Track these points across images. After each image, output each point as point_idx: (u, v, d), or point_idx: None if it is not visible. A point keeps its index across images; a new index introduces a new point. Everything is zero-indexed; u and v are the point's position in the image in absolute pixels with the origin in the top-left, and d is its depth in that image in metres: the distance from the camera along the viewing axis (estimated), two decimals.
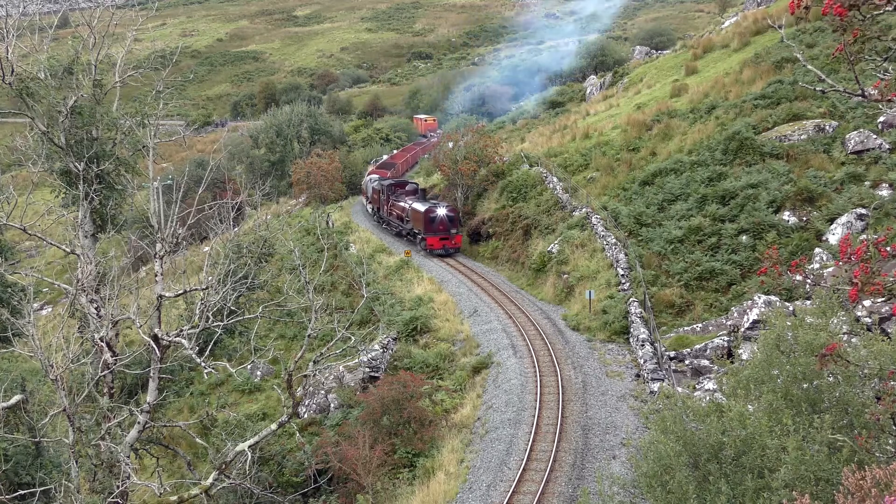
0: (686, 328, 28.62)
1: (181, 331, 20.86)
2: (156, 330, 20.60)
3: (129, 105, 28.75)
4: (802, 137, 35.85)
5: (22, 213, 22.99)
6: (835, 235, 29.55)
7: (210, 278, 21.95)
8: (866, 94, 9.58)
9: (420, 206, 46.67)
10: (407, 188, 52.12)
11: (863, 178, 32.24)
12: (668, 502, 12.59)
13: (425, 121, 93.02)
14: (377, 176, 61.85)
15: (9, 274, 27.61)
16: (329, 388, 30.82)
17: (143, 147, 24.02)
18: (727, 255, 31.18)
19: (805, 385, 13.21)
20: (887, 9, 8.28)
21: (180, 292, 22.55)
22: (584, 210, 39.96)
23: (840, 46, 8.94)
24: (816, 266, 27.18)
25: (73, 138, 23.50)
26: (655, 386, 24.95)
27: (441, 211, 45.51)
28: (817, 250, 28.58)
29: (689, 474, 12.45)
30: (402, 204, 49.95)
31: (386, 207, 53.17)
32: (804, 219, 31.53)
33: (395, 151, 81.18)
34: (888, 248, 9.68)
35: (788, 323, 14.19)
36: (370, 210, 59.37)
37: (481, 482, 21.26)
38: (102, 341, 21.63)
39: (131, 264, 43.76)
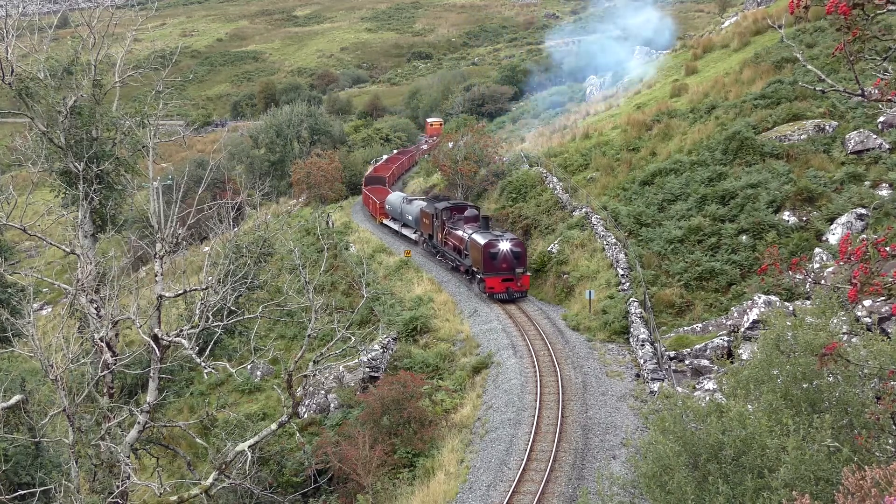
0: (686, 328, 28.62)
1: (181, 331, 20.86)
2: (156, 330, 20.60)
3: (129, 105, 28.76)
4: (802, 137, 35.85)
5: (22, 213, 22.97)
6: (835, 235, 29.55)
7: (210, 278, 21.94)
8: (866, 93, 9.59)
9: (480, 239, 37.13)
10: (466, 213, 41.88)
11: (863, 178, 32.25)
12: (668, 502, 12.59)
13: (431, 124, 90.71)
14: (399, 194, 54.66)
15: (9, 274, 27.60)
16: (329, 388, 30.82)
17: (143, 147, 24.01)
18: (727, 255, 31.18)
19: (805, 385, 13.21)
20: (890, 8, 8.28)
21: (180, 292, 22.54)
22: (583, 210, 39.96)
23: (840, 45, 8.95)
24: (816, 266, 27.18)
25: (72, 138, 23.49)
26: (655, 386, 24.95)
27: (504, 245, 36.04)
28: (817, 250, 28.58)
29: (688, 474, 12.45)
30: (459, 233, 40.55)
31: (440, 236, 43.67)
32: (804, 219, 31.54)
33: (380, 160, 79.88)
34: (887, 248, 9.68)
35: (788, 323, 14.20)
36: (416, 238, 49.76)
37: (481, 482, 21.26)
38: (102, 341, 21.63)
39: (131, 264, 43.74)
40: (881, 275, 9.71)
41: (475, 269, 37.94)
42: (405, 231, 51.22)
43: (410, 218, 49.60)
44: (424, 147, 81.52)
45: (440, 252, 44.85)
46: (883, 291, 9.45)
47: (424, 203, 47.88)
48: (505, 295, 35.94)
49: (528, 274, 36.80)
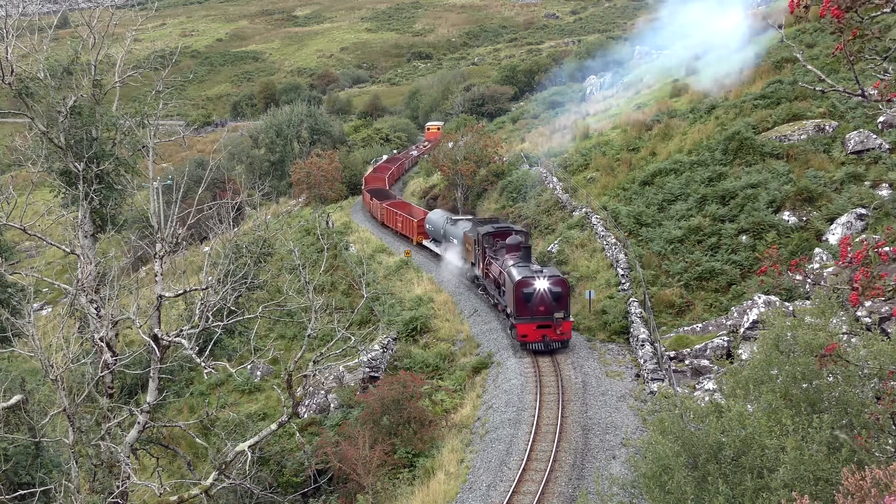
0: (686, 328, 28.63)
1: (181, 331, 20.85)
2: (156, 330, 20.60)
3: (129, 105, 28.70)
4: (802, 137, 35.87)
5: (22, 213, 22.96)
6: (835, 235, 29.57)
7: (210, 278, 21.93)
8: (866, 94, 9.60)
9: (515, 273, 30.65)
10: (508, 241, 34.11)
11: (863, 178, 32.26)
12: (667, 502, 12.59)
13: (429, 129, 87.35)
14: (442, 213, 47.44)
15: (9, 274, 27.58)
16: (329, 388, 30.83)
17: (143, 147, 23.99)
18: (727, 255, 31.20)
19: (804, 385, 13.21)
20: (885, 10, 8.29)
21: (180, 292, 22.54)
22: (583, 210, 39.96)
23: (840, 45, 8.96)
24: (816, 266, 27.19)
25: (72, 138, 23.46)
26: (655, 386, 24.96)
27: (541, 283, 29.57)
28: (817, 250, 28.59)
29: (687, 475, 12.45)
30: (500, 261, 33.57)
31: (482, 266, 36.64)
32: (804, 219, 31.55)
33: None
34: (887, 251, 9.70)
35: (788, 323, 14.20)
36: (458, 263, 41.90)
37: (481, 482, 21.26)
38: (102, 341, 21.63)
39: (131, 264, 43.74)
40: (882, 276, 9.72)
41: (509, 311, 31.30)
42: (448, 255, 44.21)
43: (455, 242, 42.56)
44: (414, 153, 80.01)
45: (481, 286, 37.55)
46: (885, 294, 9.47)
47: (469, 225, 40.60)
48: (540, 345, 29.39)
49: (571, 320, 30.22)
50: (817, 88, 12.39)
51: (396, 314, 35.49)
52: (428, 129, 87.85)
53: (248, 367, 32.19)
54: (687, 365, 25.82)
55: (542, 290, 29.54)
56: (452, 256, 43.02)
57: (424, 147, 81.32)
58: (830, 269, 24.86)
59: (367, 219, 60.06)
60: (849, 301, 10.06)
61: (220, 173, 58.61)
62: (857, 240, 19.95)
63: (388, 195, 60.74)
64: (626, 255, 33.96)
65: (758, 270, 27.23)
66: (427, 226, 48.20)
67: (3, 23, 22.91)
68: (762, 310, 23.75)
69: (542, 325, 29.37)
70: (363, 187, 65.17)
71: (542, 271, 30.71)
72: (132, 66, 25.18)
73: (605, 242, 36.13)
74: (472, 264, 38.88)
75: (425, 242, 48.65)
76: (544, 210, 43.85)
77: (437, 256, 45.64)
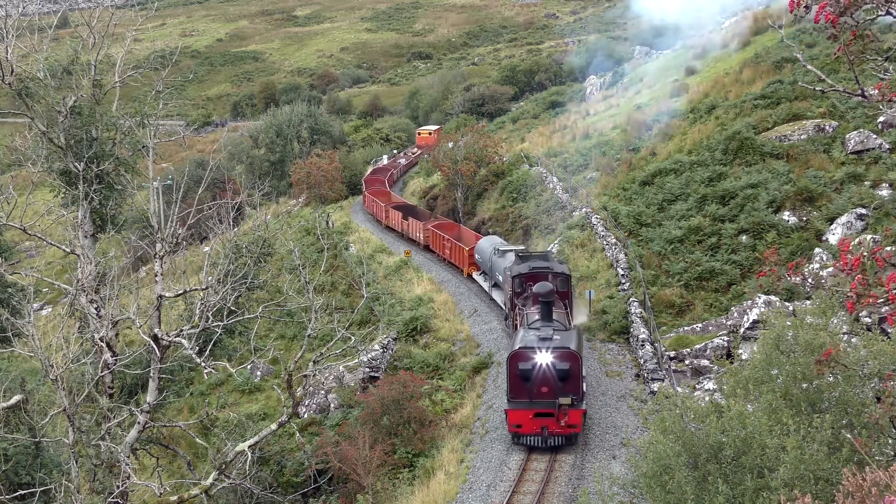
0: (686, 328, 28.63)
1: (181, 331, 20.85)
2: (156, 330, 20.60)
3: (129, 105, 28.69)
4: (802, 137, 35.86)
5: (22, 213, 22.96)
6: (835, 235, 29.57)
7: (210, 278, 21.93)
8: (866, 94, 9.61)
9: (517, 340, 24.05)
10: (535, 288, 25.86)
11: (863, 178, 32.26)
12: (668, 502, 12.60)
13: (419, 134, 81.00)
14: (491, 240, 38.76)
15: (9, 274, 27.57)
16: (329, 388, 30.83)
17: (143, 147, 24.01)
18: (727, 255, 31.20)
19: (805, 385, 13.22)
20: (880, 13, 8.30)
21: (180, 292, 22.54)
22: (584, 210, 39.95)
23: (840, 47, 8.98)
24: (816, 266, 27.19)
25: (72, 138, 23.46)
26: (655, 386, 24.96)
27: (543, 357, 22.51)
28: (817, 250, 28.59)
29: (688, 474, 12.46)
30: (523, 315, 26.63)
31: (512, 315, 29.85)
32: (804, 219, 31.55)
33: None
34: (883, 257, 9.70)
35: (788, 323, 14.21)
36: (502, 306, 34.39)
37: (481, 482, 21.27)
38: (102, 341, 21.62)
39: (131, 264, 43.73)
40: (879, 279, 9.72)
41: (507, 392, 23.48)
42: (495, 295, 36.13)
43: (500, 278, 34.50)
44: (403, 162, 76.85)
45: (509, 335, 30.64)
46: (878, 303, 9.49)
47: (513, 260, 31.98)
48: (538, 439, 22.45)
49: (584, 408, 22.99)
50: (817, 88, 12.40)
51: (396, 314, 35.49)
52: (419, 134, 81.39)
53: (248, 367, 32.15)
54: (687, 365, 25.83)
55: (543, 365, 22.46)
56: (497, 296, 35.68)
57: (414, 155, 77.71)
58: (829, 270, 24.85)
59: (368, 219, 59.99)
60: (846, 308, 10.11)
61: (220, 173, 58.50)
62: (856, 241, 19.96)
63: (422, 213, 53.94)
64: (626, 255, 33.95)
65: (757, 273, 27.24)
66: (476, 256, 39.84)
67: (3, 23, 22.91)
68: (762, 310, 23.75)
69: (541, 413, 22.32)
70: (385, 206, 56.32)
71: (550, 339, 23.01)
72: (132, 66, 25.18)
73: (605, 242, 36.13)
74: (511, 308, 30.51)
75: (475, 275, 40.32)
76: (544, 210, 43.85)
77: (485, 293, 38.17)
